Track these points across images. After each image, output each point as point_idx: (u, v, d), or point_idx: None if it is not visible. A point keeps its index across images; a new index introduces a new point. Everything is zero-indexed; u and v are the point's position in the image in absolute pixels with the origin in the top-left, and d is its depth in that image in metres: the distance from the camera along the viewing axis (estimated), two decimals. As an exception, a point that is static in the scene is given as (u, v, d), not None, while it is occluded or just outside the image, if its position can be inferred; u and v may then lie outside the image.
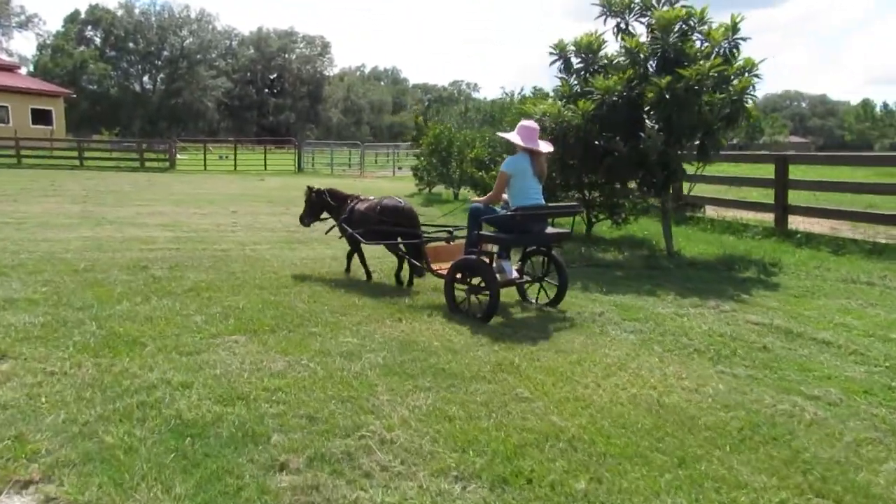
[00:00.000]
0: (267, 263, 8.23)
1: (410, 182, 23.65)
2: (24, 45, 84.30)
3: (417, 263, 6.84)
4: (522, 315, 6.19)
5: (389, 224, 6.99)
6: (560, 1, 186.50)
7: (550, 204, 6.53)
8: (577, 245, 9.88)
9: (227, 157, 34.29)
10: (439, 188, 19.93)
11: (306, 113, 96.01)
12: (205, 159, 30.39)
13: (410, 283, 7.15)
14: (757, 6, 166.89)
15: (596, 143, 8.78)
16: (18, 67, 51.35)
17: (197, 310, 5.89)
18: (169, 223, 12.16)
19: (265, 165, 30.20)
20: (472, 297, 5.99)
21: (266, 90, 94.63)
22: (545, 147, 6.23)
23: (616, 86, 8.38)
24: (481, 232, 6.12)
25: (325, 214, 7.97)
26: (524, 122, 6.34)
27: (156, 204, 15.53)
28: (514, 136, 6.21)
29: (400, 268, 7.30)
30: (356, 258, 7.56)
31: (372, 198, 7.49)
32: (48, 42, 72.87)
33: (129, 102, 78.77)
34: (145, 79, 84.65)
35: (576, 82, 9.46)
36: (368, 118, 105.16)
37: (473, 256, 5.93)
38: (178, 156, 30.99)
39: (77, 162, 29.46)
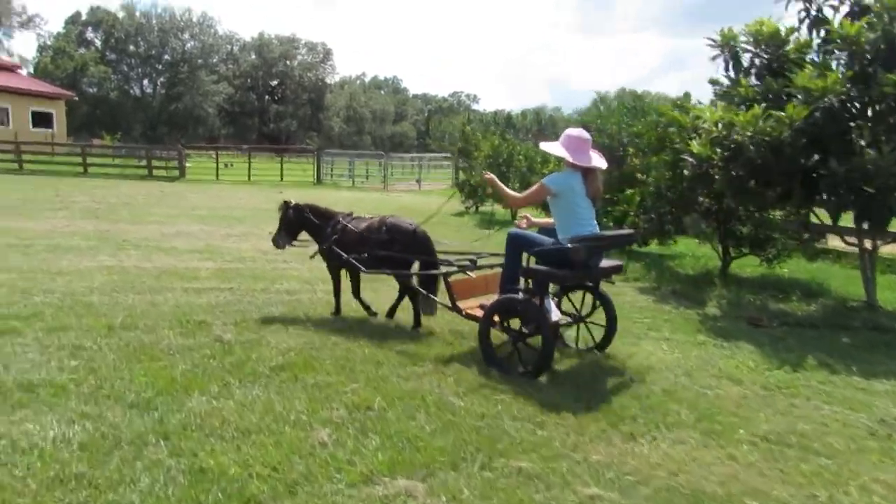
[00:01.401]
0: (363, 318, 6.28)
1: (439, 197, 21.84)
2: (24, 45, 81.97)
3: (436, 299, 5.65)
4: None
5: (397, 249, 5.81)
6: (566, 15, 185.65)
7: (607, 232, 5.43)
8: (714, 287, 8.01)
9: (231, 164, 32.34)
10: (487, 206, 18.03)
11: (308, 120, 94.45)
12: (217, 168, 28.35)
13: (418, 324, 5.92)
14: None
15: (801, 160, 6.72)
16: (19, 67, 49.30)
17: (311, 413, 3.96)
18: (203, 248, 10.22)
19: (281, 176, 28.23)
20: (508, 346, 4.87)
21: (267, 97, 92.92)
22: (599, 161, 5.06)
23: (835, 86, 6.43)
24: (533, 266, 4.89)
25: (304, 235, 6.66)
26: (572, 132, 5.09)
27: (178, 221, 13.57)
28: (558, 149, 5.01)
29: (398, 302, 6.15)
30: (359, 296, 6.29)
31: (369, 216, 6.32)
32: (49, 43, 70.80)
33: (130, 106, 76.88)
34: (145, 83, 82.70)
35: (756, 83, 7.48)
36: (370, 127, 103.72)
37: (517, 295, 4.84)
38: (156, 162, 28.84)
39: (81, 168, 27.41)
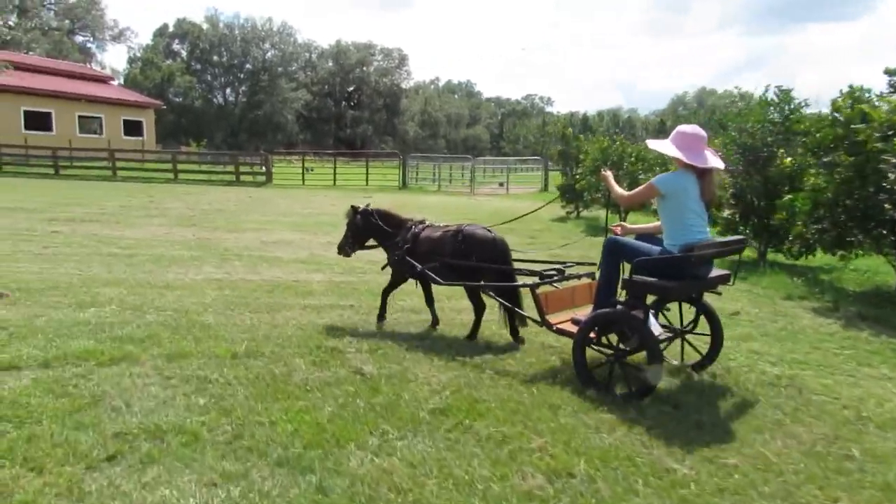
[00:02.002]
0: (496, 339, 5.46)
1: (532, 202, 20.91)
2: (115, 58, 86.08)
3: (523, 313, 5.25)
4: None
5: (476, 259, 5.41)
6: (634, 18, 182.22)
7: (719, 239, 4.72)
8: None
9: (312, 169, 32.23)
10: (591, 211, 16.96)
11: (383, 125, 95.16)
12: (303, 174, 28.24)
13: (517, 336, 5.47)
14: None
15: None
16: (112, 79, 51.25)
17: (500, 480, 3.16)
18: (307, 259, 9.66)
19: (367, 180, 27.88)
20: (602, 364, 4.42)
21: (343, 102, 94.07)
22: (716, 162, 4.48)
23: None
24: (638, 278, 4.28)
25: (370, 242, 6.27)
26: (686, 129, 4.56)
27: (274, 228, 13.13)
28: (669, 148, 4.50)
29: (512, 317, 5.48)
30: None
31: (443, 224, 5.95)
32: (137, 55, 73.62)
33: (213, 114, 79.13)
34: (227, 91, 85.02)
35: None
36: (444, 131, 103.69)
37: (619, 308, 4.37)
38: (243, 168, 28.90)
39: (171, 175, 27.82)
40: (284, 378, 4.44)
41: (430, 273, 5.54)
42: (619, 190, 4.91)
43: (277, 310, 6.40)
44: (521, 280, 5.42)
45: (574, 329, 4.61)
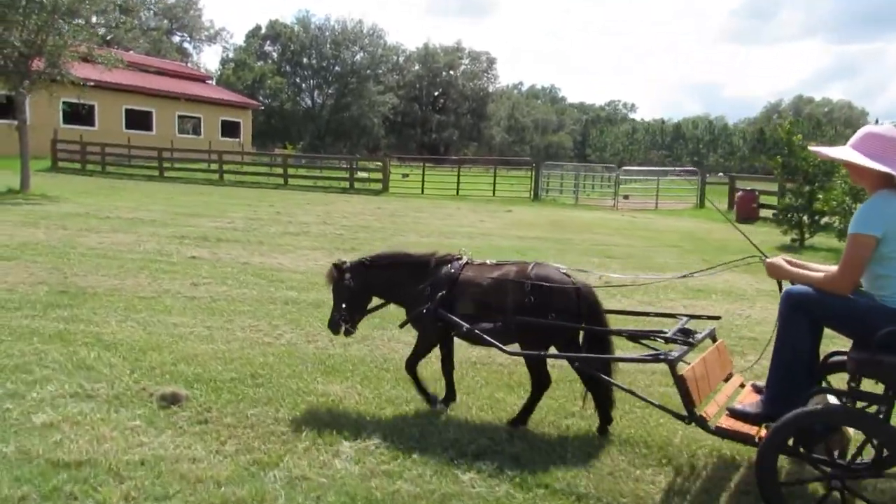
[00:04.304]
0: None
1: (695, 220, 17.60)
2: (208, 58, 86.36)
3: (618, 384, 3.79)
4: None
5: (555, 315, 3.81)
6: (718, 25, 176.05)
7: None
8: None
9: (408, 175, 29.57)
10: (821, 237, 13.46)
11: (469, 130, 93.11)
12: (423, 182, 25.49)
13: (605, 426, 3.95)
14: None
15: None
16: (210, 78, 50.37)
17: None
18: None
19: (494, 191, 24.92)
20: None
21: (429, 107, 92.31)
22: None
23: None
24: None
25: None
26: (879, 130, 3.15)
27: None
28: (854, 155, 3.11)
29: (601, 395, 3.92)
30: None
31: (491, 261, 4.27)
32: (230, 56, 73.53)
33: (300, 116, 78.53)
34: (316, 93, 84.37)
35: None
36: (531, 137, 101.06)
37: (831, 402, 3.10)
38: (360, 174, 26.30)
39: (281, 180, 25.63)
40: None
41: (486, 336, 3.87)
42: (813, 275, 3.26)
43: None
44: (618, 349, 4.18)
45: (744, 429, 3.20)
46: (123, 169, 27.51)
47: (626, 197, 27.23)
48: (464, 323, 3.95)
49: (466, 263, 4.19)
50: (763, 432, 3.14)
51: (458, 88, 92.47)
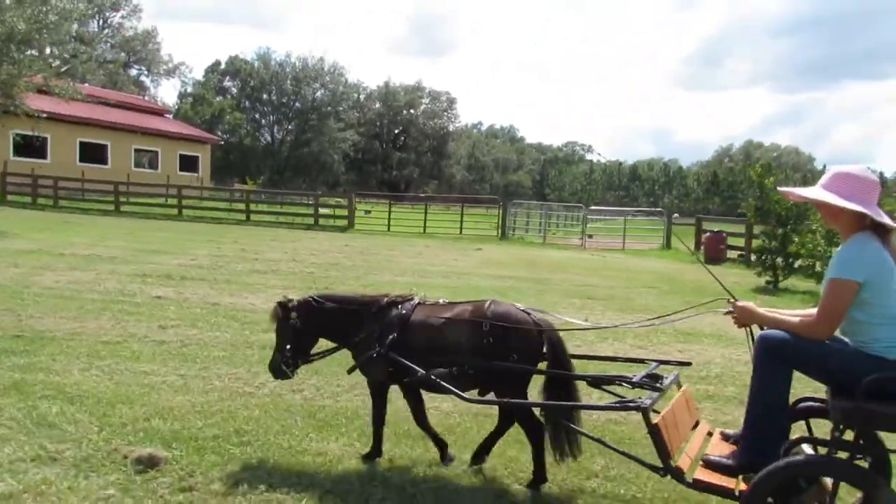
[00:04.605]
0: None
1: (656, 260, 17.80)
2: (165, 92, 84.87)
3: (582, 431, 3.63)
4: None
5: (517, 358, 3.60)
6: (670, 71, 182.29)
7: None
8: None
9: (370, 212, 29.18)
10: (796, 280, 13.51)
11: (430, 168, 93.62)
12: (389, 219, 25.14)
13: (538, 481, 3.67)
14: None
15: None
16: (168, 112, 49.51)
17: None
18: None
19: (461, 228, 24.71)
20: None
21: (390, 144, 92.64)
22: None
23: None
24: (869, 405, 2.80)
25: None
26: (853, 171, 3.09)
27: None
28: (827, 196, 3.06)
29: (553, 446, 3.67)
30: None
31: (443, 299, 4.05)
32: (189, 91, 72.68)
33: (259, 152, 77.79)
34: (275, 129, 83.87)
35: None
36: (491, 175, 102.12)
37: (810, 453, 3.08)
38: (324, 210, 25.84)
39: (243, 216, 25.03)
40: None
41: (441, 382, 3.62)
42: (787, 319, 3.16)
43: None
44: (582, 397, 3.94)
45: (722, 482, 3.05)
46: (77, 203, 26.52)
47: (590, 236, 27.33)
48: (418, 368, 3.66)
49: (419, 304, 3.95)
50: (742, 485, 3.02)
51: (419, 127, 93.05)
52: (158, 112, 46.14)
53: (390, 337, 3.77)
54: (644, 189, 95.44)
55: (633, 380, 3.51)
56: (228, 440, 4.02)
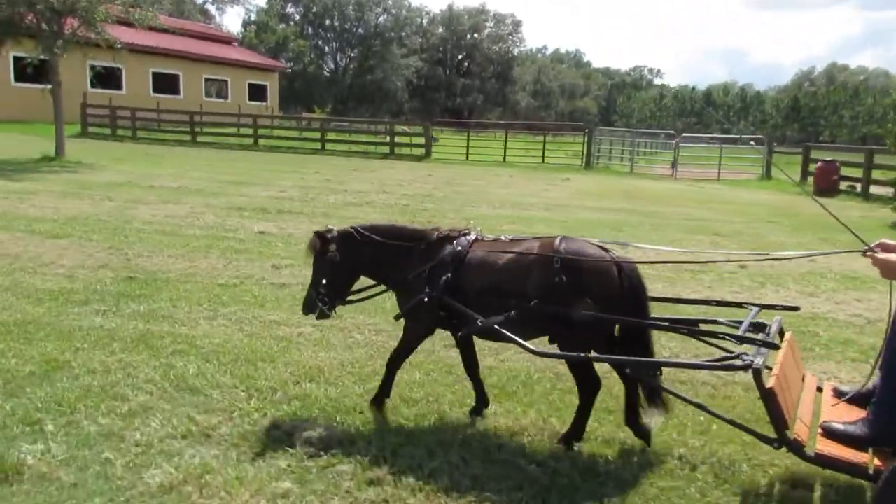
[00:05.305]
0: None
1: (760, 192, 16.28)
2: (229, 21, 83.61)
3: (668, 389, 3.13)
4: None
5: (593, 302, 3.00)
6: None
7: None
8: None
9: (437, 140, 28.03)
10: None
11: (494, 95, 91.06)
12: (468, 148, 24.16)
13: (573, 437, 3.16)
14: None
15: None
16: (235, 40, 48.98)
17: None
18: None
19: (543, 157, 23.57)
20: None
21: (454, 70, 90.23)
22: None
23: None
24: None
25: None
26: None
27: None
28: None
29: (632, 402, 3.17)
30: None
31: (507, 236, 3.43)
32: (252, 19, 71.91)
33: (324, 81, 77.00)
34: (338, 57, 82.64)
35: None
36: (556, 102, 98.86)
37: None
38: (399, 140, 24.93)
39: (318, 145, 24.49)
40: None
41: (506, 332, 3.05)
42: None
43: None
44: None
45: (852, 457, 2.55)
46: (154, 134, 26.46)
47: (673, 166, 25.77)
48: (476, 315, 3.13)
49: (476, 239, 3.37)
50: (877, 461, 2.57)
51: (483, 52, 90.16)
52: (226, 41, 45.60)
53: (443, 278, 3.20)
54: (717, 115, 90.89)
55: (740, 331, 2.99)
56: (399, 412, 3.41)
